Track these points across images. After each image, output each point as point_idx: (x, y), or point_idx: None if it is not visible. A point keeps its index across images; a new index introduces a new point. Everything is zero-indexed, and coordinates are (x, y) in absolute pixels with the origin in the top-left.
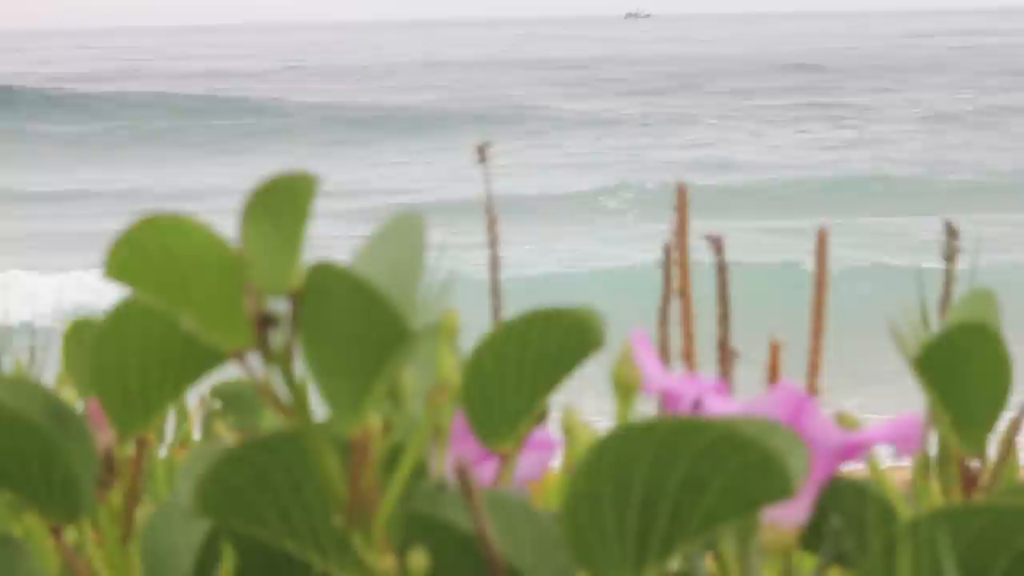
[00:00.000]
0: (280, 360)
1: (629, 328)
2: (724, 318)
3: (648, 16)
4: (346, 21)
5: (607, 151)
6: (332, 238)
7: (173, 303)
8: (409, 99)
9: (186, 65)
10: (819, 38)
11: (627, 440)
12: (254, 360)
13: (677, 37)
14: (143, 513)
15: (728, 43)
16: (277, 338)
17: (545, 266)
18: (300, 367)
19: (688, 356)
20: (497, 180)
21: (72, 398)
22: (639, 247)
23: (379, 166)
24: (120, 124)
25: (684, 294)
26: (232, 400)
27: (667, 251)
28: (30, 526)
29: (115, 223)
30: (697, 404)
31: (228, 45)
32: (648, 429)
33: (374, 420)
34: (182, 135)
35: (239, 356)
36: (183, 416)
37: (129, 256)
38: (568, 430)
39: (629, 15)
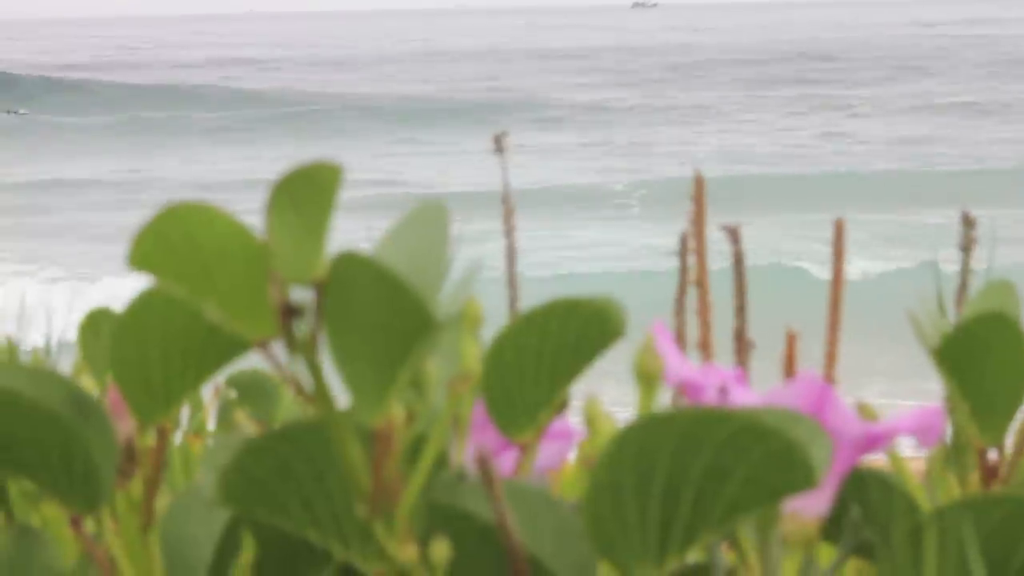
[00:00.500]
0: (304, 349)
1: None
2: (741, 309)
3: (655, 5)
4: (347, 10)
5: (613, 142)
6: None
7: (197, 292)
8: (414, 89)
9: (187, 54)
10: (825, 27)
11: (649, 430)
12: (278, 349)
13: (684, 26)
14: (160, 503)
15: (735, 33)
16: (301, 327)
17: (545, 253)
18: (323, 356)
19: (705, 346)
20: (498, 170)
21: (91, 387)
22: (644, 239)
23: (381, 157)
24: (123, 114)
25: (701, 284)
26: (248, 390)
27: (683, 241)
28: (48, 516)
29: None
30: (724, 391)
31: (229, 34)
32: (670, 419)
33: (398, 410)
34: (188, 124)
35: (263, 345)
36: (197, 406)
37: (153, 246)
38: (590, 420)
39: (636, 4)
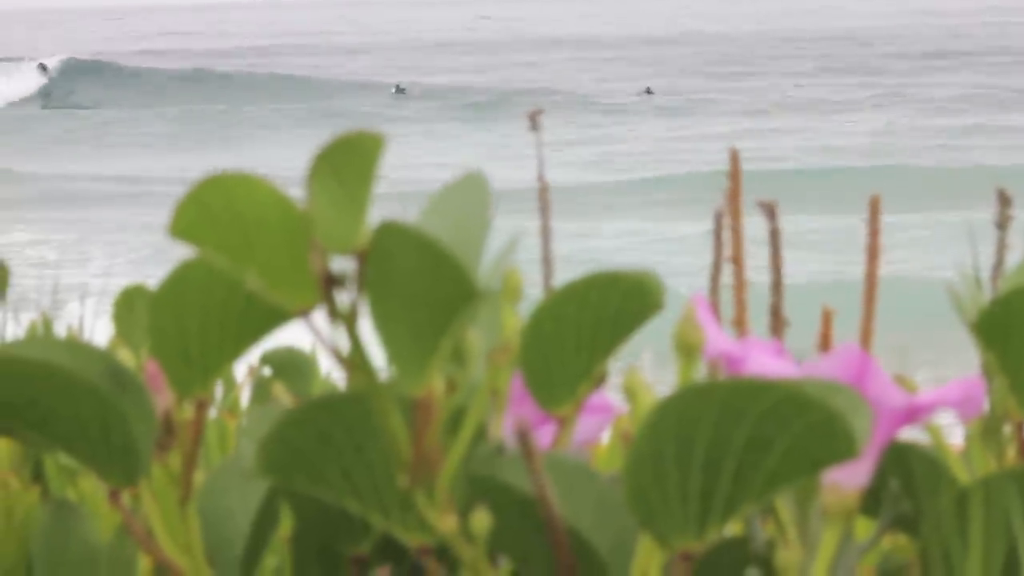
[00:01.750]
0: (346, 319)
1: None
2: (777, 285)
3: None
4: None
5: (642, 138)
6: None
7: (239, 262)
8: (436, 80)
9: (216, 43)
10: (843, 15)
11: (690, 400)
12: (318, 319)
13: (711, 14)
14: (197, 478)
15: (765, 20)
16: (342, 297)
17: (568, 247)
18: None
19: (740, 323)
20: (526, 163)
21: (128, 361)
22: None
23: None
24: (161, 108)
25: (737, 261)
26: (282, 368)
27: (718, 218)
28: (85, 490)
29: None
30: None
31: (248, 23)
32: (711, 389)
33: (438, 380)
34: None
35: (304, 315)
36: (230, 384)
37: (195, 216)
38: (630, 391)
39: None
